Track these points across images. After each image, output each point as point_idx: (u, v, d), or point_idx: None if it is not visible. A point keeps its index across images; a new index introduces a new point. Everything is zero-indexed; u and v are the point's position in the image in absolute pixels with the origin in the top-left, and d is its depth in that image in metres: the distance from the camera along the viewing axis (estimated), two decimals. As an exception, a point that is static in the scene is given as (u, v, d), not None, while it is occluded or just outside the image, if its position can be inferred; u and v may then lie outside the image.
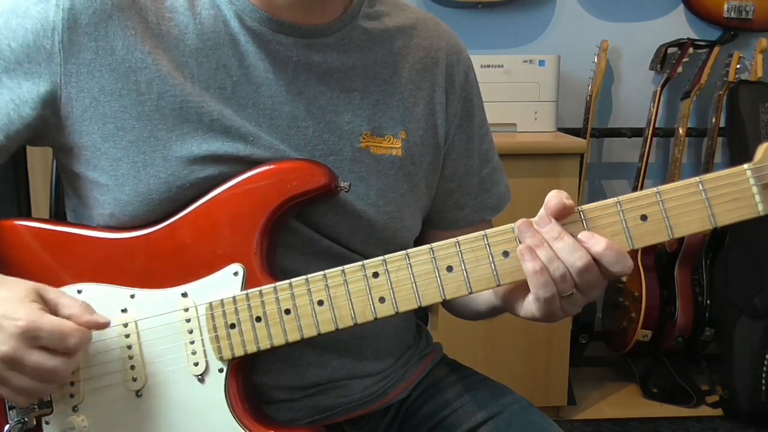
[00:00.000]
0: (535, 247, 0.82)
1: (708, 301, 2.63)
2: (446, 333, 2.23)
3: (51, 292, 0.86)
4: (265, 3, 0.94)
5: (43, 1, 0.90)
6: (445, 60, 1.05)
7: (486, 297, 0.98)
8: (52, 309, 0.85)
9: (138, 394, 0.91)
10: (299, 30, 0.95)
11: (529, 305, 0.86)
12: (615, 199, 0.83)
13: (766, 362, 2.46)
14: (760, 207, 0.80)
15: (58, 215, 1.22)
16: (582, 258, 0.81)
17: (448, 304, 1.12)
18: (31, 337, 0.81)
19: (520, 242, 0.83)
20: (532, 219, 0.84)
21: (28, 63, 0.90)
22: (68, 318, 0.84)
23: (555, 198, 0.83)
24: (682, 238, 2.59)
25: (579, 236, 0.82)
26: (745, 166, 0.81)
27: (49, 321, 0.82)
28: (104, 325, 0.87)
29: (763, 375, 2.46)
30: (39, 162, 2.11)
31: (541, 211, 0.84)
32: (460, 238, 0.85)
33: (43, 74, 0.90)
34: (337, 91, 0.97)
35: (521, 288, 0.87)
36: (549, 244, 0.82)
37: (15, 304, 0.83)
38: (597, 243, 0.81)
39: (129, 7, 0.91)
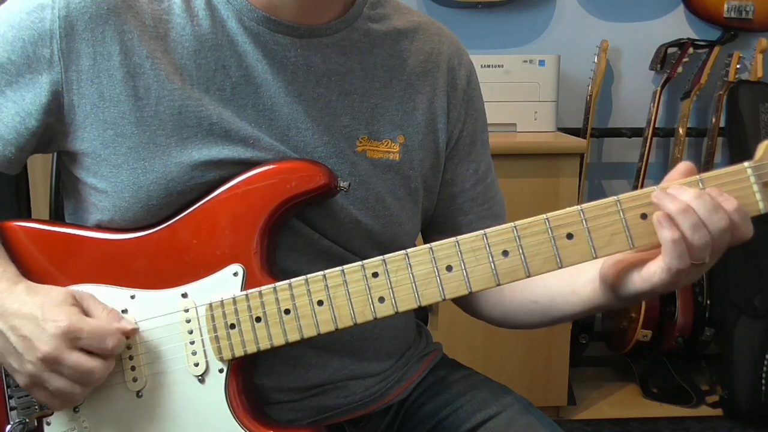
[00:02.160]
0: (678, 214, 0.79)
1: (708, 301, 2.63)
2: (446, 333, 2.24)
3: (84, 299, 0.89)
4: (264, 3, 0.93)
5: (37, 10, 0.90)
6: (446, 64, 1.05)
7: (586, 296, 0.93)
8: (85, 313, 0.88)
9: (138, 394, 0.91)
10: (298, 30, 0.95)
11: (650, 276, 0.82)
12: (615, 197, 0.82)
13: (766, 362, 2.46)
14: (761, 205, 0.80)
15: (58, 216, 1.22)
16: (723, 219, 0.78)
17: (501, 315, 1.07)
18: (71, 338, 0.84)
19: (660, 209, 0.80)
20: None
21: (30, 74, 0.90)
22: None
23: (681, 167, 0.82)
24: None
25: (709, 192, 0.79)
26: (746, 164, 0.80)
27: (88, 323, 0.85)
28: (132, 332, 0.89)
29: (763, 375, 2.46)
30: (39, 163, 2.11)
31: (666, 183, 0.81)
32: (459, 237, 0.84)
33: (44, 84, 0.90)
34: (336, 93, 0.97)
35: (636, 267, 0.84)
36: (690, 205, 0.78)
37: (54, 307, 0.85)
38: (728, 201, 0.79)
39: (125, 11, 0.91)
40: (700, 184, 0.80)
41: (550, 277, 0.92)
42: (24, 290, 0.88)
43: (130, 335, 0.89)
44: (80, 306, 0.88)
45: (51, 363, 0.84)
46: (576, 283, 0.95)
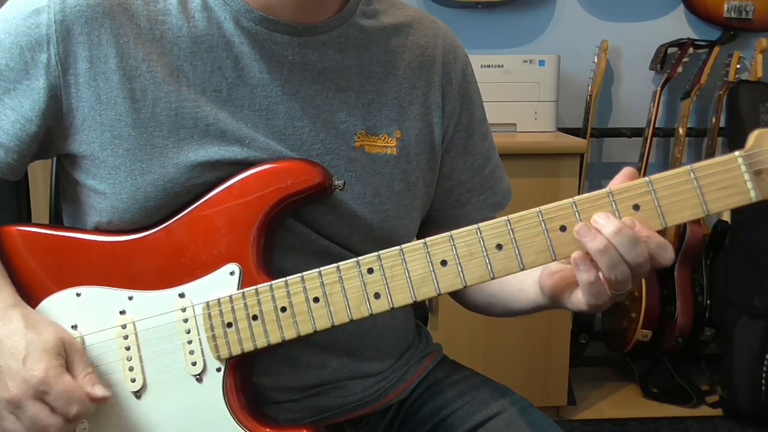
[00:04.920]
0: (598, 254, 0.79)
1: (708, 301, 2.63)
2: (446, 333, 2.24)
3: (73, 353, 0.87)
4: (261, 3, 0.93)
5: (33, 16, 0.90)
6: (441, 58, 1.05)
7: (531, 298, 0.96)
8: (68, 366, 0.86)
9: (137, 395, 0.91)
10: (295, 28, 0.95)
11: (578, 302, 0.85)
12: (607, 189, 0.82)
13: (766, 362, 2.46)
14: (753, 194, 0.79)
15: (58, 220, 1.22)
16: (643, 253, 0.79)
17: (470, 303, 1.12)
18: (40, 391, 0.83)
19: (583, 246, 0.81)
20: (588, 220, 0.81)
21: (27, 80, 0.90)
22: None
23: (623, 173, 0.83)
24: (683, 238, 2.59)
25: (624, 222, 0.80)
26: (737, 153, 0.80)
27: (62, 382, 0.83)
28: (104, 399, 0.87)
29: (763, 375, 2.46)
30: (39, 168, 2.11)
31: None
32: (453, 232, 0.84)
33: (42, 89, 0.90)
34: (333, 90, 0.97)
35: (568, 284, 0.86)
36: (611, 242, 0.79)
37: (39, 352, 0.84)
38: (641, 230, 0.80)
39: (120, 14, 0.91)
40: (692, 173, 0.80)
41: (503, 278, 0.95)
42: (19, 317, 0.87)
43: (99, 402, 0.87)
44: (65, 358, 0.86)
45: (13, 406, 0.83)
46: (524, 284, 0.97)
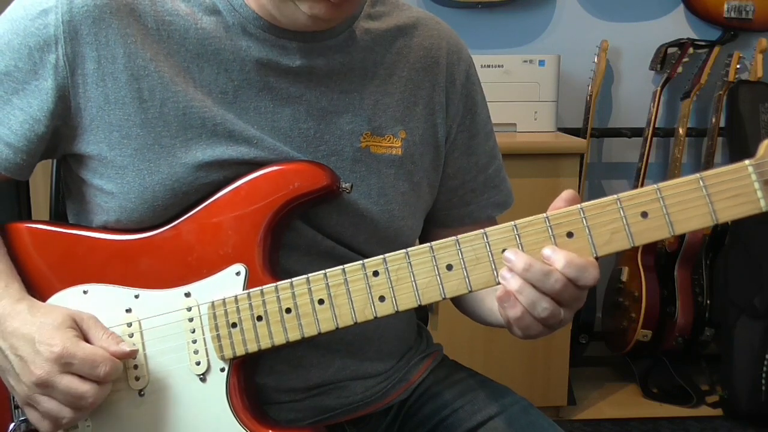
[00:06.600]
0: (517, 292, 0.80)
1: (708, 301, 2.63)
2: (446, 333, 2.23)
3: (85, 321, 0.88)
4: (270, 14, 0.93)
5: (41, 16, 0.90)
6: (445, 59, 1.05)
7: (499, 319, 0.95)
8: (84, 337, 0.87)
9: (141, 393, 0.91)
10: (302, 36, 0.95)
11: (515, 332, 0.86)
12: (615, 196, 0.82)
13: (766, 362, 2.46)
14: (762, 203, 0.79)
15: (58, 218, 1.22)
16: (560, 280, 0.79)
17: (461, 305, 1.13)
18: (64, 363, 0.83)
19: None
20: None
21: (36, 80, 0.91)
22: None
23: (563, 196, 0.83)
24: (682, 238, 2.59)
25: (542, 254, 0.81)
26: (747, 161, 0.79)
27: (82, 349, 0.85)
28: (131, 354, 0.88)
29: (763, 375, 2.46)
30: (39, 165, 2.10)
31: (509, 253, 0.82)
32: (459, 236, 0.84)
33: (50, 89, 0.90)
34: (338, 91, 0.97)
35: None
36: (527, 280, 0.80)
37: (52, 330, 0.85)
38: (558, 260, 0.80)
39: (127, 14, 0.91)
40: (701, 182, 0.80)
41: (481, 294, 1.00)
42: (26, 309, 0.88)
43: (127, 358, 0.88)
44: (79, 329, 0.87)
45: (43, 386, 0.84)
46: (493, 305, 0.96)
